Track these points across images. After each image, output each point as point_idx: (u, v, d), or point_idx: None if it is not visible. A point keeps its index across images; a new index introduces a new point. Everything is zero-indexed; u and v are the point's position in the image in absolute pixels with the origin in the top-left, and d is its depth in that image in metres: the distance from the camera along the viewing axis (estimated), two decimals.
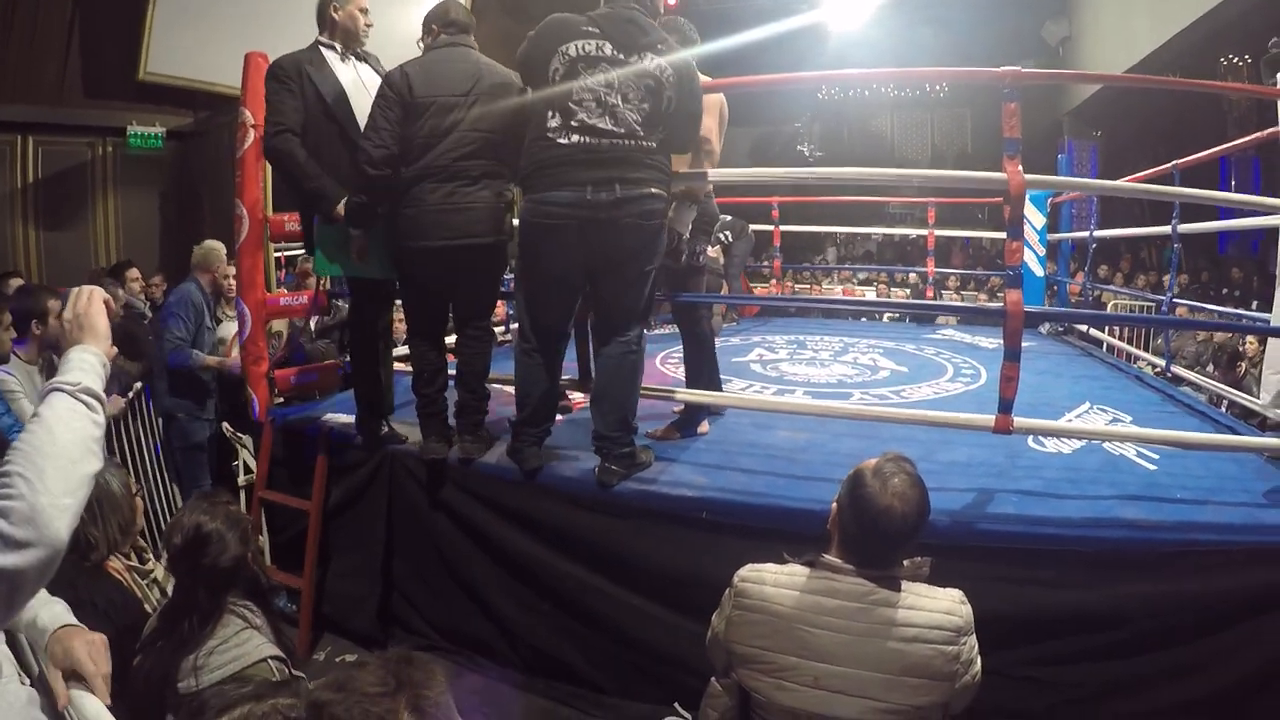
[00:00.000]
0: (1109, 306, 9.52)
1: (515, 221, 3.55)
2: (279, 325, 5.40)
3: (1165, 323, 6.42)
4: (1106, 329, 7.68)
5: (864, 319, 10.12)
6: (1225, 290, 11.21)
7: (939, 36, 14.57)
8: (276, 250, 5.42)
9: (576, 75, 3.20)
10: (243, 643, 2.16)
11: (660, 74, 3.21)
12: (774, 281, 9.59)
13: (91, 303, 1.63)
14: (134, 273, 6.72)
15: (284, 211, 4.44)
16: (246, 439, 4.66)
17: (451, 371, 3.84)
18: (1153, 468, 3.61)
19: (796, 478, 3.44)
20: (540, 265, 3.42)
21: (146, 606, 2.57)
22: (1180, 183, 4.88)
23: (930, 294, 9.50)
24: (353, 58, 3.81)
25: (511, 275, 4.14)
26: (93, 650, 1.69)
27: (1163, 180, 5.43)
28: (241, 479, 4.66)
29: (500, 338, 6.24)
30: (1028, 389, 3.56)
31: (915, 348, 6.97)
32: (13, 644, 1.62)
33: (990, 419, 3.28)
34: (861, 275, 13.61)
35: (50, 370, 3.64)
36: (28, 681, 1.53)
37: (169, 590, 2.54)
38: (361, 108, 3.60)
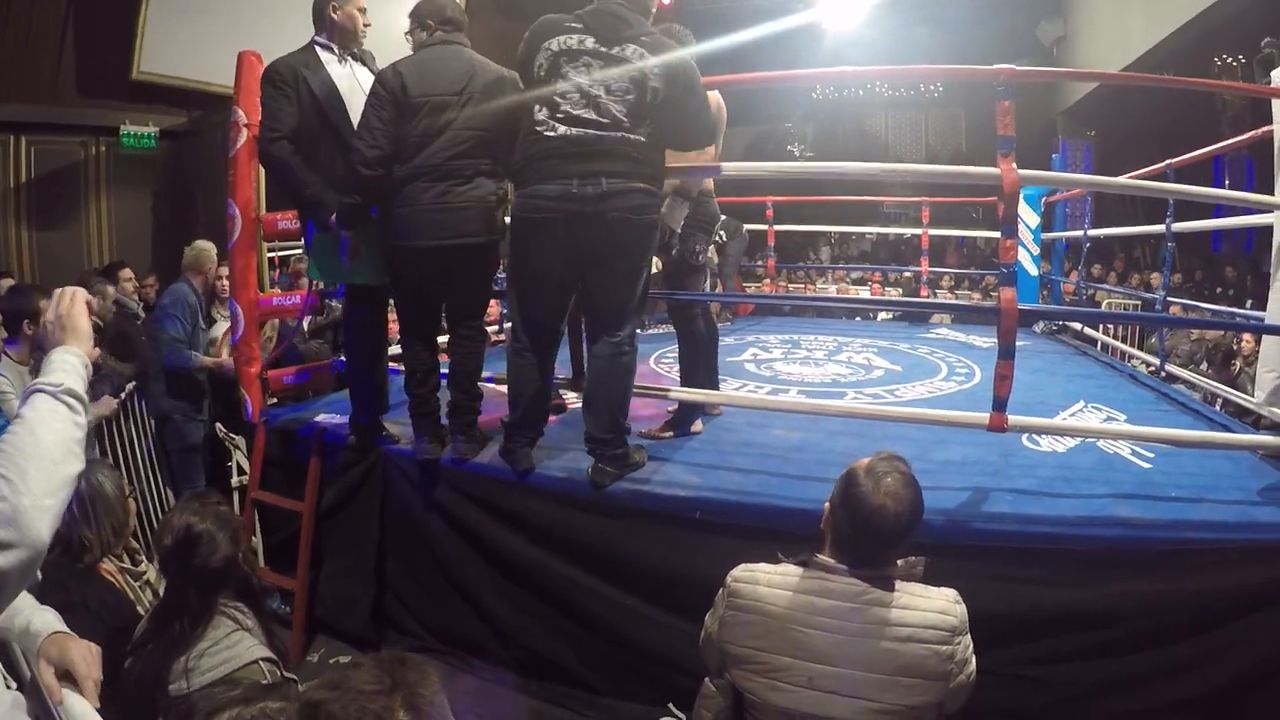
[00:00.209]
0: (1103, 305, 9.53)
1: (507, 220, 3.54)
2: (268, 331, 5.38)
3: (1159, 321, 6.43)
4: (1101, 328, 7.69)
5: (858, 318, 10.14)
6: (1219, 289, 11.23)
7: (934, 36, 14.57)
8: (270, 250, 5.40)
9: (559, 69, 3.22)
10: (233, 645, 2.16)
11: (643, 65, 3.19)
12: (768, 281, 9.60)
13: (74, 304, 1.62)
14: (127, 273, 6.69)
15: (277, 211, 4.43)
16: (240, 440, 4.65)
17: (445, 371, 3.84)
18: (1147, 466, 3.61)
19: (790, 477, 3.43)
20: (529, 260, 3.42)
21: (139, 609, 2.57)
22: (1174, 182, 4.88)
23: (925, 293, 9.51)
24: (349, 58, 3.79)
25: (504, 274, 4.13)
26: (87, 655, 1.68)
27: (1157, 179, 5.44)
28: (235, 480, 4.64)
29: (494, 338, 6.23)
30: (1022, 388, 3.57)
31: (909, 347, 6.98)
32: (2, 651, 1.61)
33: (985, 417, 3.28)
34: (855, 274, 13.61)
35: None
36: (14, 686, 1.52)
37: (161, 592, 2.53)
38: (357, 110, 3.57)
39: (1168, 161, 5.33)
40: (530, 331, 3.51)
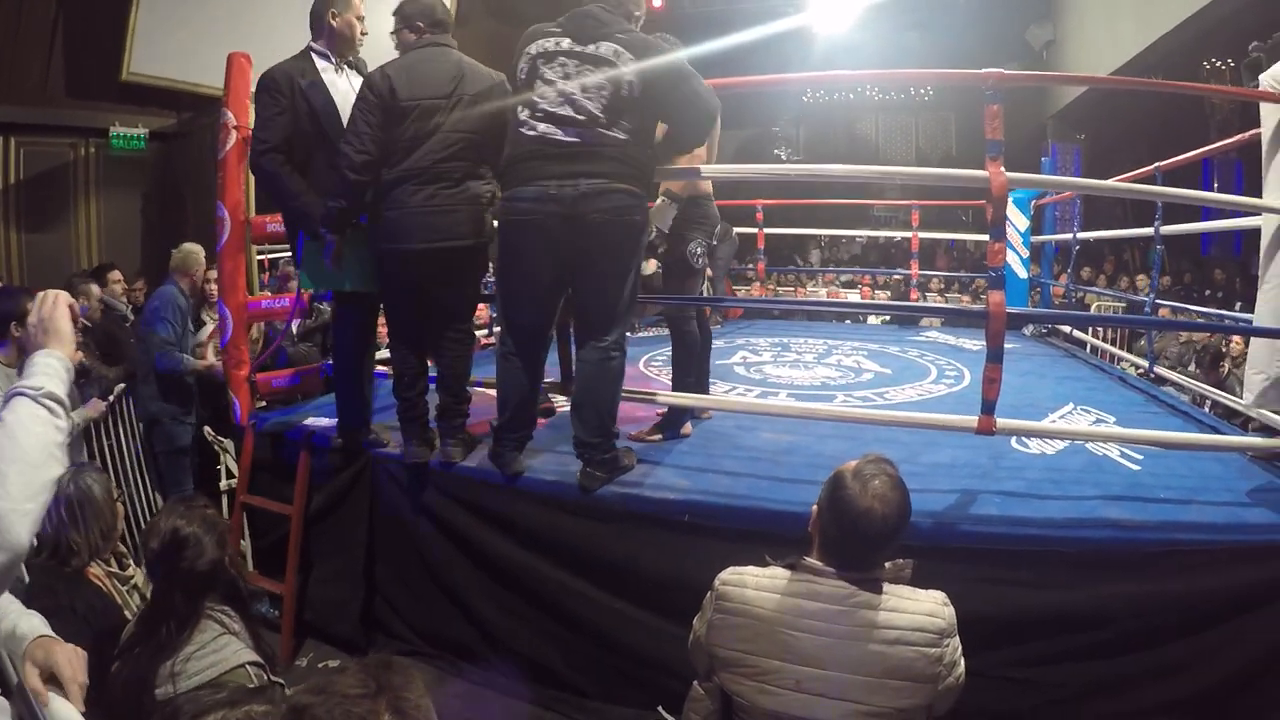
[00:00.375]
0: (1092, 308, 9.56)
1: (496, 223, 3.54)
2: (254, 333, 5.36)
3: (1148, 323, 6.45)
4: (1090, 330, 7.72)
5: (848, 321, 10.15)
6: (1208, 292, 11.27)
7: (924, 40, 14.62)
8: (259, 253, 5.39)
9: (538, 71, 3.25)
10: (220, 648, 2.14)
11: (616, 59, 3.18)
12: (758, 284, 9.61)
13: (56, 307, 1.62)
14: (116, 275, 6.66)
15: (266, 214, 4.42)
16: (228, 443, 4.64)
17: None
18: (1136, 468, 3.62)
19: (780, 480, 3.43)
20: (514, 263, 3.42)
21: (126, 613, 2.55)
22: (1163, 185, 4.90)
23: (915, 296, 9.52)
24: (345, 67, 3.78)
25: (493, 278, 4.13)
26: (72, 659, 1.67)
27: (1145, 182, 5.46)
28: (224, 483, 4.63)
29: (483, 341, 6.23)
30: (1011, 390, 3.57)
31: (899, 350, 6.99)
32: None
33: (974, 420, 3.28)
34: (844, 277, 13.63)
35: None
36: None
37: (149, 596, 2.52)
38: None
39: (1156, 164, 5.34)
40: (518, 334, 3.51)
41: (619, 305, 3.41)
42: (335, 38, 3.74)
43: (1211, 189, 10.38)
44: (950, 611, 1.99)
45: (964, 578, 2.72)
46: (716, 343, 6.52)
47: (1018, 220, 7.51)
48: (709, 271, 4.74)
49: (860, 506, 1.94)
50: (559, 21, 3.31)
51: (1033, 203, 7.85)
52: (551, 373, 4.03)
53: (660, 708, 3.13)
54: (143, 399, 5.10)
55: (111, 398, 4.89)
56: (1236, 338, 6.60)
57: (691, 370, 4.18)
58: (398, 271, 3.62)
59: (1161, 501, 3.21)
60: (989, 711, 2.79)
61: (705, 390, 4.29)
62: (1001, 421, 3.27)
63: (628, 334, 3.62)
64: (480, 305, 4.82)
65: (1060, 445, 3.93)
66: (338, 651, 3.91)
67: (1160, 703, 2.86)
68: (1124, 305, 9.42)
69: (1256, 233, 3.81)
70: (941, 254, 14.62)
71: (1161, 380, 5.83)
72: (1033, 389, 5.28)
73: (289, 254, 6.43)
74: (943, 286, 11.96)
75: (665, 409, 4.10)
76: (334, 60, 3.75)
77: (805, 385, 5.58)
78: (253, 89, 4.21)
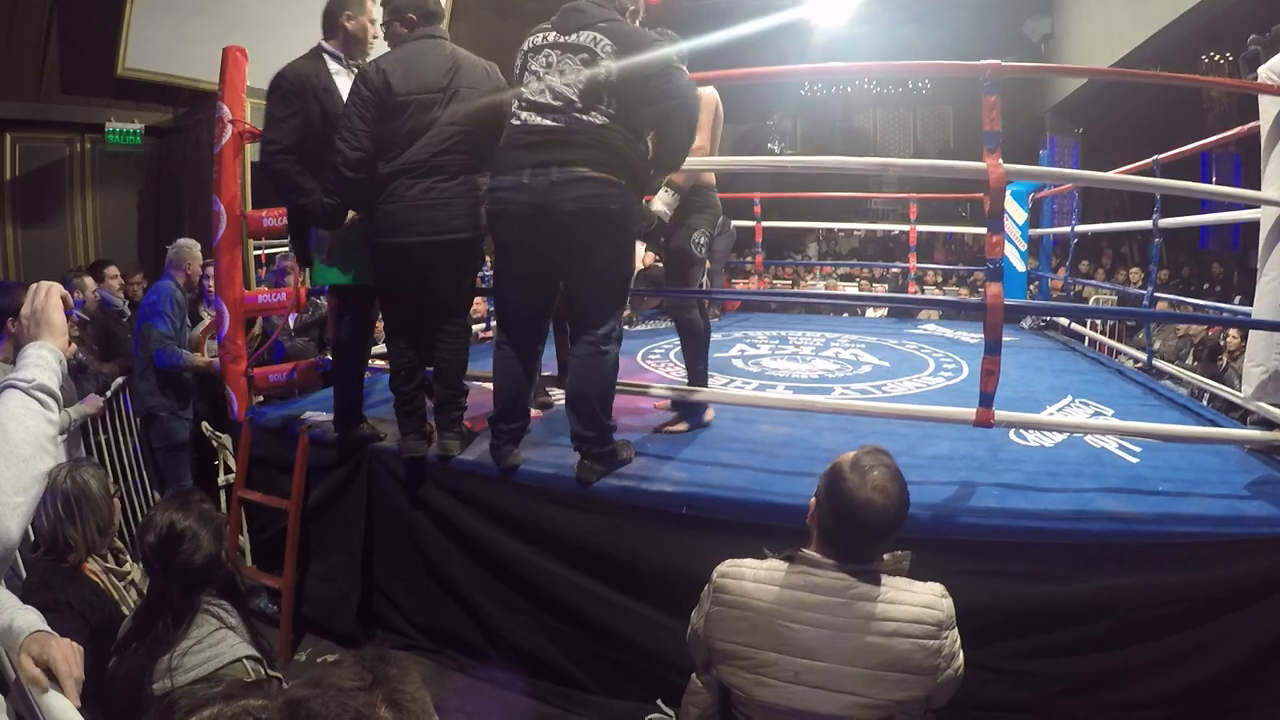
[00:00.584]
0: (1090, 301, 9.56)
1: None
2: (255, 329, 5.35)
3: (1146, 316, 6.44)
4: (1088, 323, 7.71)
5: (846, 314, 10.14)
6: (1206, 285, 11.28)
7: (922, 34, 14.62)
8: (255, 248, 5.37)
9: (526, 65, 3.28)
10: (217, 643, 2.14)
11: (594, 45, 3.16)
12: (756, 277, 9.60)
13: (49, 299, 1.61)
14: (113, 270, 6.66)
15: (262, 208, 4.40)
16: (226, 438, 4.63)
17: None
18: (1134, 460, 3.62)
19: (778, 473, 3.43)
20: (499, 254, 3.44)
21: (123, 608, 2.55)
22: (1161, 178, 4.89)
23: (913, 289, 9.51)
24: (356, 69, 3.76)
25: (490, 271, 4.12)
26: (68, 654, 1.67)
27: (1143, 175, 5.45)
28: (221, 478, 4.62)
29: (481, 335, 6.22)
30: (1009, 383, 3.57)
31: (897, 342, 6.98)
32: None
33: (972, 412, 3.28)
34: (842, 270, 13.63)
35: None
36: None
37: (146, 591, 2.52)
38: None
39: (1154, 157, 5.33)
40: (510, 326, 3.51)
41: (608, 298, 3.39)
42: (349, 40, 3.74)
43: (1210, 182, 10.38)
44: (949, 603, 1.99)
45: (962, 570, 2.72)
46: (714, 336, 6.52)
47: (1016, 213, 7.49)
48: (708, 264, 4.72)
49: (859, 498, 1.94)
50: (552, 18, 3.32)
51: (1031, 196, 7.83)
52: (549, 366, 4.02)
53: (659, 701, 3.15)
54: (140, 394, 5.09)
55: (109, 393, 4.88)
56: (1234, 331, 6.59)
57: (702, 358, 4.16)
58: (394, 265, 3.61)
59: (1160, 494, 3.20)
60: (988, 703, 2.80)
61: (705, 383, 4.27)
62: (1000, 414, 3.27)
63: (625, 327, 3.60)
64: (478, 299, 4.81)
65: (1058, 438, 3.92)
66: (336, 646, 3.90)
67: (1158, 695, 2.86)
68: (1124, 299, 9.41)
69: (1254, 226, 3.81)
70: (940, 247, 14.64)
71: (1160, 373, 5.82)
72: (1031, 381, 5.28)
73: (286, 248, 6.43)
74: (941, 280, 11.96)
75: (666, 401, 4.08)
76: (345, 62, 3.74)
77: (803, 378, 5.56)
78: (248, 83, 4.21)
